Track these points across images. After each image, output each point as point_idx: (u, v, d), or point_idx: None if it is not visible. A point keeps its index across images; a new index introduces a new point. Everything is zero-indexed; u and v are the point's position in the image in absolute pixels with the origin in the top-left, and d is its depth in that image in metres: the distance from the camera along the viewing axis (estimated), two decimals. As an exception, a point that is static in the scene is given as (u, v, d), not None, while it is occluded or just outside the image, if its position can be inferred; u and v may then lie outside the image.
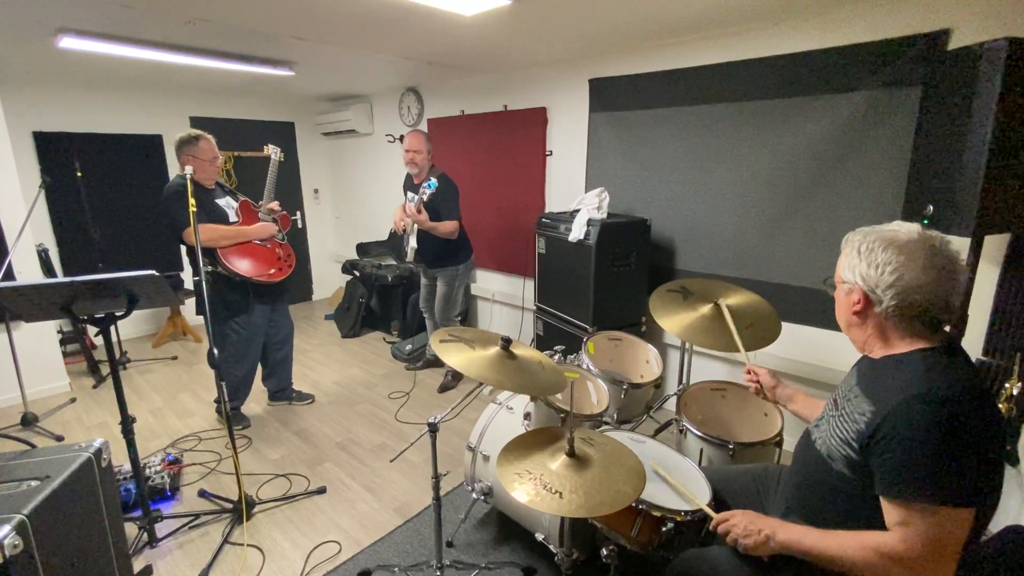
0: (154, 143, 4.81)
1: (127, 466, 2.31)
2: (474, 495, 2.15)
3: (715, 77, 2.87)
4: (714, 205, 3.01)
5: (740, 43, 2.76)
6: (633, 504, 1.39)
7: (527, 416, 2.04)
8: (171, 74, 3.96)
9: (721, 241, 3.02)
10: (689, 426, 1.97)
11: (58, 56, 3.23)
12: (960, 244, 1.42)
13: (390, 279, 4.72)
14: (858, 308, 1.16)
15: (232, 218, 2.92)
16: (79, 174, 3.98)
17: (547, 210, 3.86)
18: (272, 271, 2.95)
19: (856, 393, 1.17)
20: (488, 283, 4.58)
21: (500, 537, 2.26)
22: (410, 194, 3.57)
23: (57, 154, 4.28)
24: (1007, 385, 1.97)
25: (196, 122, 4.94)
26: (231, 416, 2.85)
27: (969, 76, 1.68)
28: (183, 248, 2.97)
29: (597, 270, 2.97)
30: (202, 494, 2.53)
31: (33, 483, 1.33)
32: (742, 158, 2.85)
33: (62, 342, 3.99)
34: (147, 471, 2.49)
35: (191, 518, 2.35)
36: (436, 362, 4.05)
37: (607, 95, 3.39)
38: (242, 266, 2.84)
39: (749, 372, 1.71)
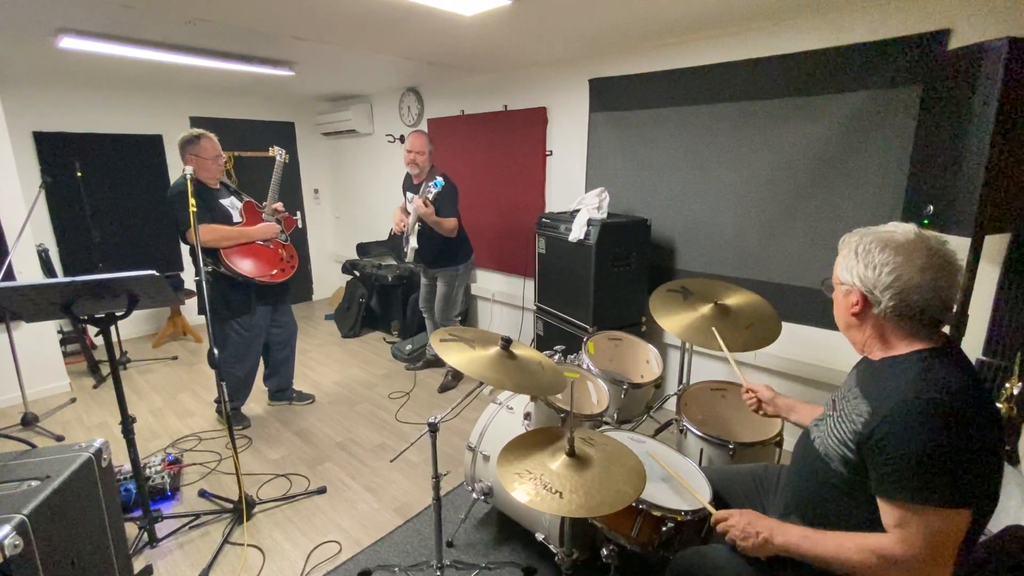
0: (154, 143, 4.81)
1: (127, 466, 2.31)
2: (474, 495, 2.15)
3: (715, 77, 2.87)
4: (714, 205, 3.01)
5: (740, 43, 2.76)
6: (633, 504, 1.39)
7: (527, 416, 2.04)
8: (171, 74, 3.96)
9: (721, 241, 3.02)
10: (689, 426, 1.97)
11: (58, 56, 3.23)
12: (960, 244, 1.42)
13: (390, 279, 4.73)
14: (856, 309, 1.16)
15: (236, 218, 2.92)
16: (79, 174, 3.98)
17: (547, 210, 3.86)
18: (274, 272, 2.95)
19: (855, 394, 1.17)
20: (488, 283, 4.58)
21: (500, 537, 2.26)
22: (409, 195, 3.57)
23: (57, 154, 4.28)
24: (1007, 385, 1.97)
25: (196, 122, 4.93)
26: (231, 416, 2.85)
27: (969, 76, 1.68)
28: (187, 248, 2.98)
29: (597, 270, 2.97)
30: (202, 494, 2.53)
31: (33, 483, 1.33)
32: (742, 158, 2.85)
33: (62, 342, 3.99)
34: (147, 471, 2.49)
35: (191, 518, 2.35)
36: (436, 362, 4.05)
37: (607, 95, 3.39)
38: (245, 266, 2.84)
39: (747, 392, 1.69)
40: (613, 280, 3.06)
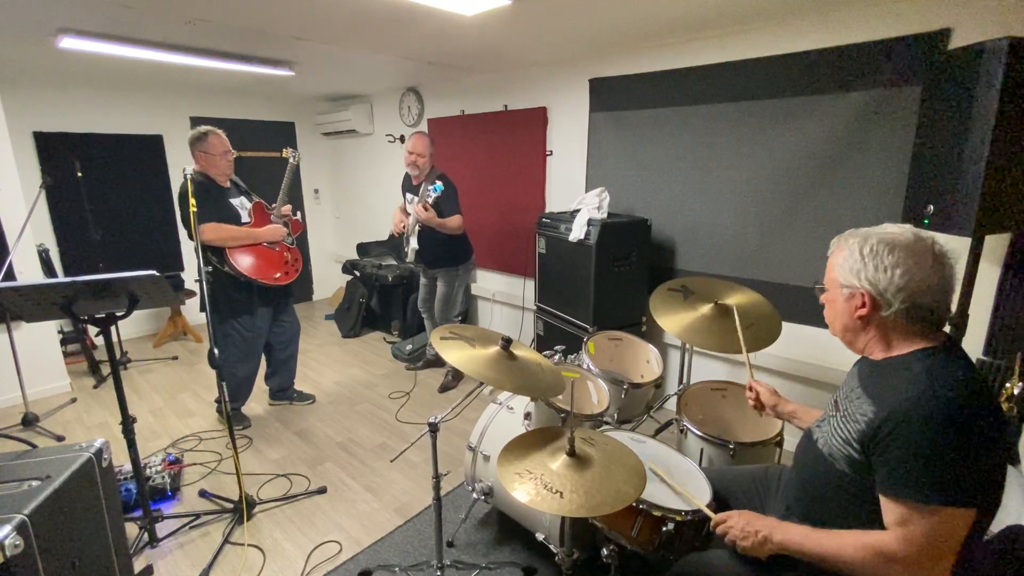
0: (154, 143, 4.81)
1: (128, 466, 2.31)
2: (474, 495, 2.15)
3: (715, 77, 2.87)
4: (714, 205, 3.01)
5: (740, 43, 2.76)
6: (633, 504, 1.39)
7: (527, 416, 2.04)
8: (171, 74, 3.96)
9: (721, 241, 3.02)
10: (689, 426, 1.97)
11: (58, 56, 3.23)
12: (960, 244, 1.42)
13: (390, 279, 4.73)
14: (863, 313, 1.13)
15: (245, 218, 2.93)
16: (79, 174, 3.98)
17: (547, 210, 3.86)
18: (278, 275, 2.95)
19: (858, 394, 1.16)
20: (488, 283, 4.58)
21: (500, 537, 2.26)
22: (409, 195, 3.57)
23: (57, 154, 4.28)
24: (1007, 385, 1.97)
25: (196, 122, 4.91)
26: (231, 416, 2.85)
27: (969, 76, 1.68)
28: (192, 245, 2.99)
29: (597, 270, 2.97)
30: (203, 494, 2.53)
31: (34, 483, 1.33)
32: (742, 158, 2.85)
33: (63, 342, 3.99)
34: (148, 471, 2.49)
35: (192, 518, 2.35)
36: (436, 362, 4.05)
37: (607, 95, 3.39)
38: (249, 268, 2.84)
39: (751, 388, 1.67)
40: (613, 280, 3.06)
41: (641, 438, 1.85)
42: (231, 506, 2.40)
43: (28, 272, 3.51)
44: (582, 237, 2.99)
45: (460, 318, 4.01)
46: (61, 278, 1.82)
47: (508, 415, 2.20)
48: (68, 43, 2.80)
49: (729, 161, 2.90)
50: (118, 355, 3.80)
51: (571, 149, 3.70)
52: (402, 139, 4.97)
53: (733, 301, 2.18)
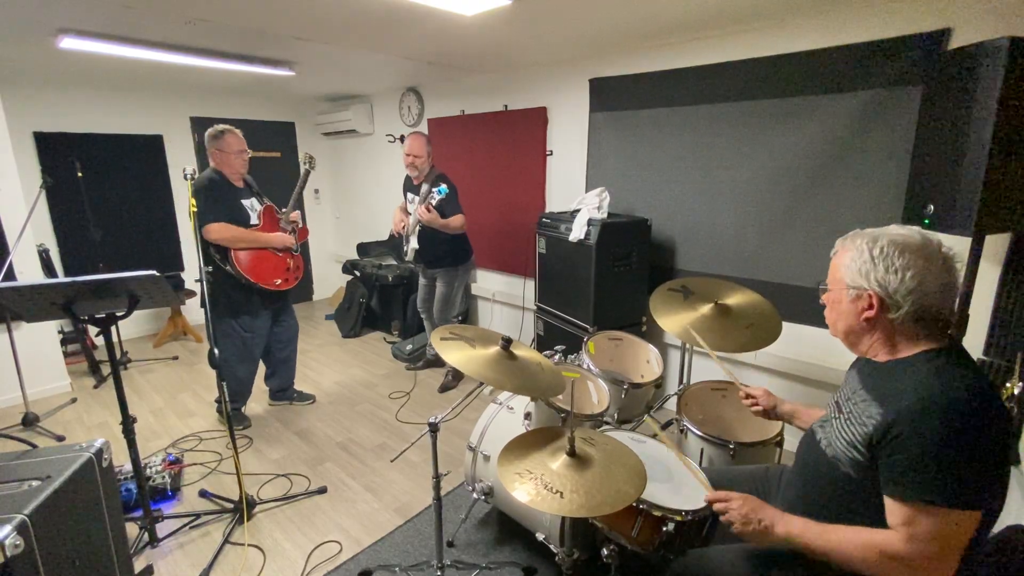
0: (154, 143, 4.81)
1: (128, 466, 2.31)
2: (475, 495, 2.15)
3: (715, 77, 2.87)
4: (715, 205, 3.01)
5: (740, 43, 2.76)
6: (634, 504, 1.39)
7: (528, 416, 2.04)
8: (171, 74, 3.96)
9: (721, 241, 3.02)
10: (690, 426, 1.97)
11: (58, 56, 3.23)
12: (960, 244, 1.42)
13: (390, 279, 4.73)
14: (871, 314, 1.12)
15: (253, 220, 2.94)
16: (80, 174, 3.98)
17: (547, 210, 3.86)
18: (278, 281, 2.96)
19: (862, 396, 1.15)
20: (488, 283, 4.58)
21: (501, 537, 2.26)
22: (410, 195, 3.57)
23: (58, 154, 4.28)
24: (1007, 385, 1.97)
25: (196, 122, 4.94)
26: (232, 416, 2.85)
27: (970, 75, 1.68)
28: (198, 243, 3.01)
29: (598, 270, 2.97)
30: (203, 494, 2.53)
31: (34, 483, 1.33)
32: (742, 158, 2.85)
33: (63, 342, 3.99)
34: (148, 471, 2.49)
35: (192, 518, 2.35)
36: (437, 362, 4.05)
37: (607, 95, 3.39)
38: (250, 270, 2.85)
39: (747, 397, 1.67)
40: (613, 280, 3.06)
41: (641, 438, 1.85)
42: (231, 506, 2.40)
43: (28, 272, 3.51)
44: (582, 237, 2.99)
45: (460, 318, 4.01)
46: (61, 278, 1.82)
47: (508, 415, 2.20)
48: (68, 43, 2.80)
49: (729, 161, 2.90)
50: (118, 355, 3.80)
51: (571, 149, 3.70)
52: (402, 139, 4.97)
53: (731, 300, 2.18)
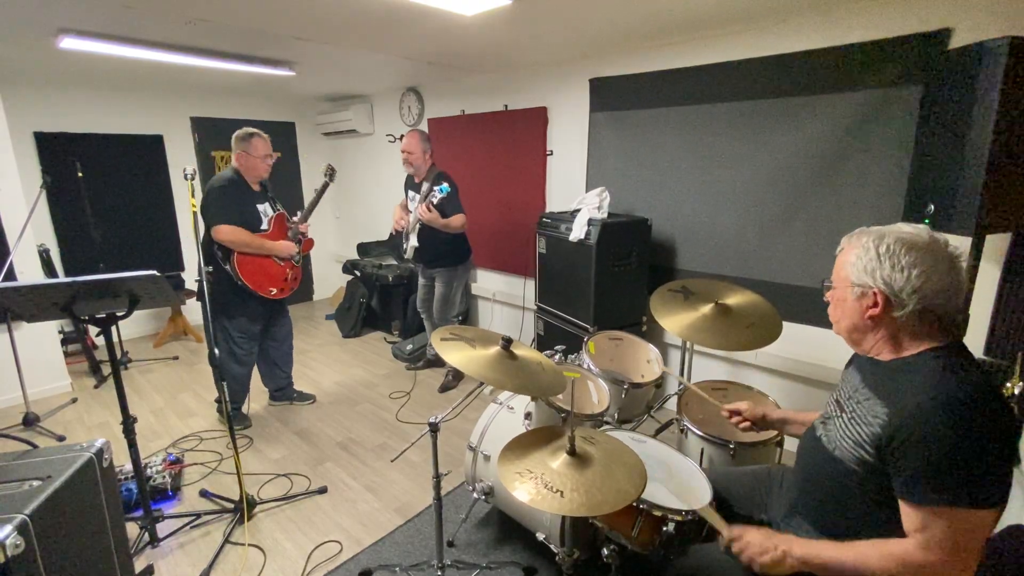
0: (155, 143, 4.80)
1: (128, 466, 2.31)
2: (475, 495, 2.15)
3: (715, 77, 2.87)
4: (715, 204, 3.01)
5: (740, 43, 2.76)
6: (634, 504, 1.39)
7: (528, 416, 2.04)
8: (171, 74, 3.96)
9: (722, 241, 3.02)
10: (690, 426, 1.97)
11: (58, 56, 3.23)
12: (961, 244, 1.42)
13: (391, 279, 4.73)
14: (875, 312, 1.11)
15: (263, 226, 2.94)
16: (80, 174, 3.98)
17: (547, 210, 3.86)
18: (274, 291, 2.97)
19: (865, 395, 1.14)
20: (488, 283, 4.58)
21: (501, 537, 2.26)
22: (411, 193, 3.57)
23: (58, 154, 4.28)
24: (1008, 385, 1.97)
25: (197, 122, 4.94)
26: (232, 416, 2.85)
27: (970, 75, 1.67)
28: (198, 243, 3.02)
29: (598, 270, 2.97)
30: (203, 494, 2.53)
31: (35, 483, 1.33)
32: (742, 158, 2.85)
33: (63, 342, 3.99)
34: (148, 471, 2.49)
35: (192, 518, 2.35)
36: (437, 362, 4.05)
37: (607, 95, 3.39)
38: (248, 276, 2.86)
39: (731, 416, 1.65)
40: (614, 280, 3.06)
41: (642, 438, 1.86)
42: (232, 506, 2.40)
43: (29, 272, 3.51)
44: (582, 237, 2.99)
45: (460, 318, 4.01)
46: (61, 278, 1.82)
47: (508, 415, 2.20)
48: (68, 43, 2.80)
49: (729, 161, 2.90)
50: (119, 355, 3.81)
51: (571, 149, 3.70)
52: (402, 139, 4.97)
53: (731, 300, 2.18)
